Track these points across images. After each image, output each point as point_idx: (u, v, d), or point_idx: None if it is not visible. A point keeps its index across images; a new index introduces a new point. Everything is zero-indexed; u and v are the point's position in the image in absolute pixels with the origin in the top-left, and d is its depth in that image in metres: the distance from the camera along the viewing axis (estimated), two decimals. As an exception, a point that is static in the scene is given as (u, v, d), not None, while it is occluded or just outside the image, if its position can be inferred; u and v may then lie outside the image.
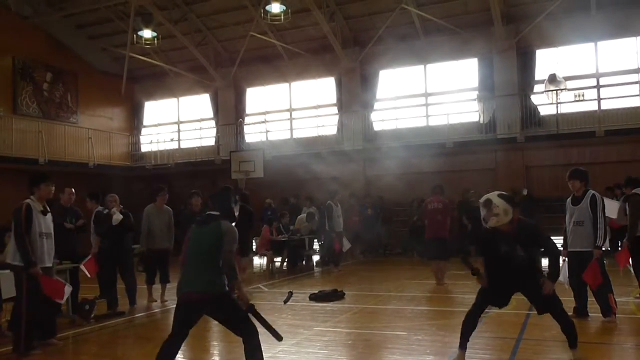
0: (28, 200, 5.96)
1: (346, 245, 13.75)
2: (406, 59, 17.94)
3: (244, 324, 4.13)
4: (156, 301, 8.97)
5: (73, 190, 8.23)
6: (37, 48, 18.77)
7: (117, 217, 8.16)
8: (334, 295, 8.86)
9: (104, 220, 8.19)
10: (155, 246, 8.98)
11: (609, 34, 15.70)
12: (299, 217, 14.44)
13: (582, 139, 15.22)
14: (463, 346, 4.99)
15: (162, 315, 8.24)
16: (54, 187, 6.23)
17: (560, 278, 6.97)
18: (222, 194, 4.49)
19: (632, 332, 6.27)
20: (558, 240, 16.89)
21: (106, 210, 8.28)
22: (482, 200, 4.86)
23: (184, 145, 21.77)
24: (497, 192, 4.88)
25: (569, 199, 6.89)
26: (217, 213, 4.30)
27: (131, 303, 8.34)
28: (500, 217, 4.71)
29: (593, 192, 6.66)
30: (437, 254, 10.18)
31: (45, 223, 6.06)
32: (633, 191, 7.77)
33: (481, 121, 16.83)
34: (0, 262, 6.35)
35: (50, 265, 6.17)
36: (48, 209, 6.21)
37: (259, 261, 14.96)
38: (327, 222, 13.27)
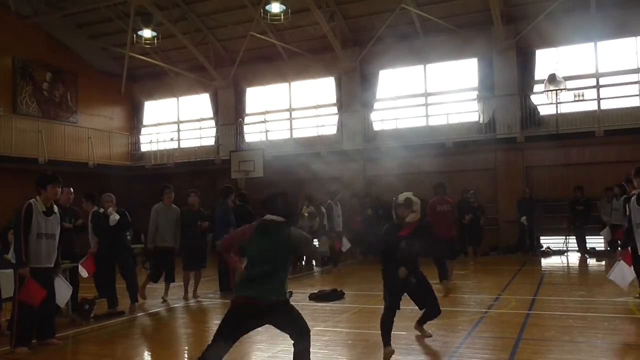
0: (31, 200, 6.02)
1: (346, 245, 13.75)
2: (406, 59, 17.93)
3: (299, 328, 4.08)
4: (146, 299, 8.94)
5: (72, 189, 8.23)
6: (37, 48, 18.74)
7: (114, 217, 8.15)
8: (334, 295, 8.85)
9: (102, 221, 8.19)
10: (160, 243, 9.00)
11: (608, 33, 15.70)
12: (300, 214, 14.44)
13: (582, 139, 15.23)
14: (388, 343, 5.24)
15: (162, 315, 8.20)
16: (60, 189, 6.30)
17: (619, 282, 6.96)
18: (289, 197, 4.21)
19: (633, 333, 6.27)
20: (557, 241, 16.66)
21: (102, 210, 8.28)
22: (401, 199, 5.49)
23: (183, 145, 21.74)
24: (410, 193, 5.56)
25: (633, 199, 6.54)
26: (281, 219, 4.07)
27: (133, 301, 8.33)
28: (415, 214, 5.44)
29: None
30: (444, 254, 10.16)
31: (48, 224, 6.06)
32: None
33: (481, 121, 16.83)
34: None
35: (51, 266, 6.16)
36: (55, 210, 6.22)
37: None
38: (327, 222, 13.28)
